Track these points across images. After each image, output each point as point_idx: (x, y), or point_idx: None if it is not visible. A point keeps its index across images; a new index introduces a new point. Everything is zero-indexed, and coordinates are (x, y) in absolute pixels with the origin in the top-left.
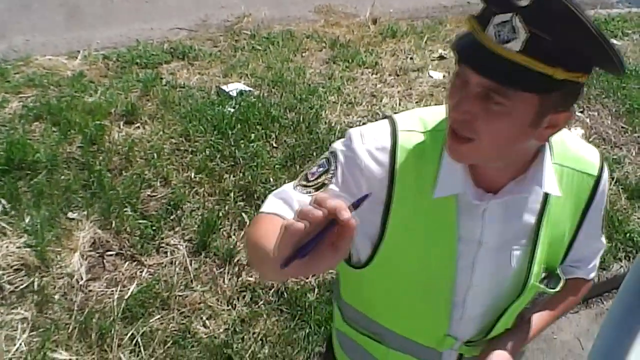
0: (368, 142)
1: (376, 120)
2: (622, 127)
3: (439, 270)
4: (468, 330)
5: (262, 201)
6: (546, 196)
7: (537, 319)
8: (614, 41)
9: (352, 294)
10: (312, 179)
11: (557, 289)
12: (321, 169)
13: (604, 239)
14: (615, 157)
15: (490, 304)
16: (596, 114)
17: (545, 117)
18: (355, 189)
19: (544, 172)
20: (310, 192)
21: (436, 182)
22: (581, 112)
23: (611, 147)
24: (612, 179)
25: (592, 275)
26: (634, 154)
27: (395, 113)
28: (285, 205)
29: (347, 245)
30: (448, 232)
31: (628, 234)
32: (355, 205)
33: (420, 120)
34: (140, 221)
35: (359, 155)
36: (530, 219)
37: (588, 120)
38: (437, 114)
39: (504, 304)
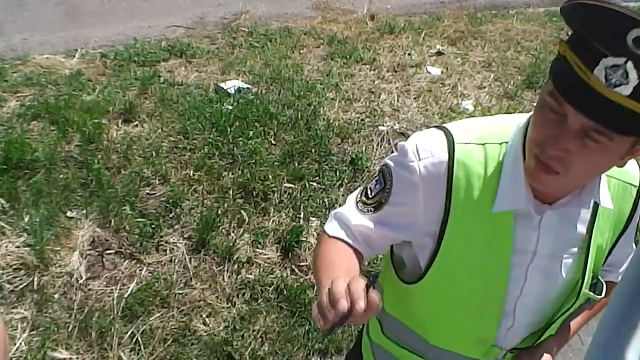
0: (424, 157)
1: (374, 115)
2: None
3: (491, 282)
4: (515, 339)
5: (261, 198)
6: (596, 206)
7: (572, 323)
8: None
9: (398, 307)
10: (371, 195)
11: (603, 295)
12: (378, 185)
13: (634, 244)
14: None
15: (539, 312)
16: None
17: (635, 148)
18: (412, 204)
19: (600, 187)
20: (369, 211)
21: (495, 196)
22: None
23: None
24: None
25: (620, 277)
26: None
27: (448, 123)
28: (347, 230)
29: (373, 315)
30: (504, 245)
31: None
32: (370, 285)
33: (476, 132)
34: (139, 219)
35: (415, 172)
36: (582, 228)
37: None
38: (492, 125)
39: (551, 312)
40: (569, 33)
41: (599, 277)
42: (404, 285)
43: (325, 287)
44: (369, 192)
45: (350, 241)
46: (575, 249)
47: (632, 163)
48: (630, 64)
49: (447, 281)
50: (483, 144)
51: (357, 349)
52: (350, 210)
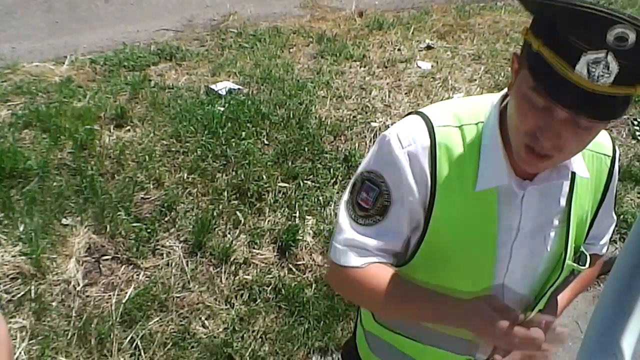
0: (406, 144)
1: (366, 112)
2: None
3: (479, 261)
4: None
5: (256, 198)
6: (573, 178)
7: (560, 297)
8: None
9: None
10: (368, 206)
11: (587, 266)
12: (373, 193)
13: (614, 214)
14: None
15: (527, 287)
16: None
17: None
18: (406, 190)
19: (575, 157)
20: (378, 220)
21: (477, 175)
22: None
23: None
24: None
25: (604, 250)
26: (624, 135)
27: (423, 108)
28: (366, 253)
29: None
30: (489, 223)
31: (621, 216)
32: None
33: (453, 115)
34: (135, 224)
35: (401, 160)
36: (562, 201)
37: None
38: (467, 106)
39: (538, 287)
40: (535, 21)
41: (583, 249)
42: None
43: (482, 329)
44: (362, 204)
45: (381, 260)
46: (557, 222)
47: (604, 133)
48: (610, 56)
49: (435, 262)
50: (460, 126)
51: (352, 340)
52: (358, 231)
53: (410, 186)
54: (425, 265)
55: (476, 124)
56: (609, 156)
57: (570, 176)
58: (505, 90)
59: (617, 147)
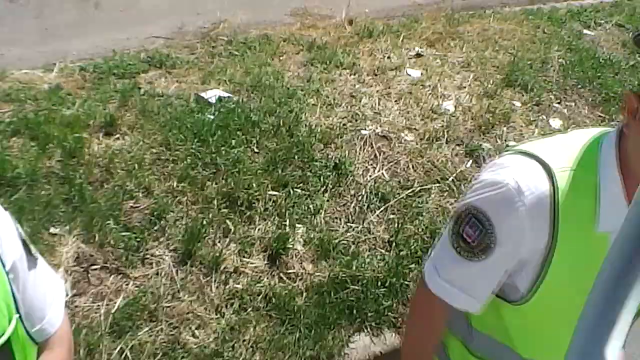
0: (527, 192)
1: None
2: (599, 116)
3: None
4: None
5: (246, 207)
6: None
7: None
8: (586, 31)
9: (489, 323)
10: (472, 242)
11: None
12: (477, 231)
13: None
14: None
15: None
16: (573, 104)
17: None
18: (518, 238)
19: None
20: (481, 258)
21: (596, 216)
22: (558, 103)
23: None
24: None
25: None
26: None
27: (524, 145)
28: (466, 290)
29: None
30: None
31: None
32: None
33: (568, 155)
34: (124, 233)
35: (519, 210)
36: None
37: (565, 110)
38: (577, 143)
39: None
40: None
41: None
42: (499, 301)
43: None
44: (466, 238)
45: (481, 302)
46: None
47: None
48: None
49: (550, 301)
50: (575, 168)
51: None
52: (459, 264)
53: (524, 234)
54: (540, 303)
55: (590, 164)
56: None
57: None
58: (615, 128)
59: None
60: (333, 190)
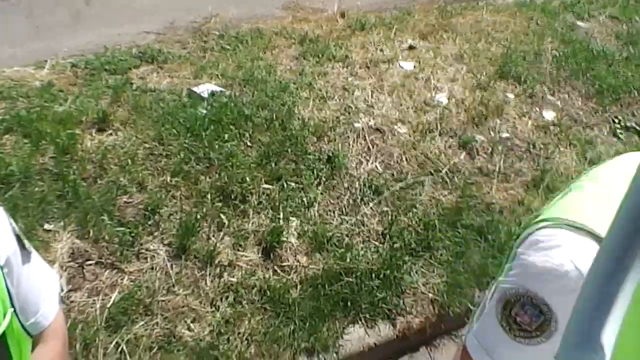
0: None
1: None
2: (593, 108)
3: None
4: None
5: (240, 200)
6: None
7: None
8: (580, 23)
9: None
10: (531, 328)
11: None
12: (536, 318)
13: None
14: (587, 137)
15: None
16: (566, 96)
17: None
18: None
19: None
20: (542, 341)
21: None
22: (552, 95)
23: (583, 127)
24: (585, 159)
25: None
26: (605, 133)
27: (573, 215)
28: None
29: None
30: None
31: None
32: None
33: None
34: (118, 228)
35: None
36: None
37: (559, 102)
38: (611, 193)
39: None
40: None
41: None
42: None
43: None
44: (523, 325)
45: None
46: None
47: None
48: None
49: None
50: None
51: None
52: (514, 348)
53: None
54: None
55: None
56: None
57: None
58: None
59: None
60: (327, 183)
